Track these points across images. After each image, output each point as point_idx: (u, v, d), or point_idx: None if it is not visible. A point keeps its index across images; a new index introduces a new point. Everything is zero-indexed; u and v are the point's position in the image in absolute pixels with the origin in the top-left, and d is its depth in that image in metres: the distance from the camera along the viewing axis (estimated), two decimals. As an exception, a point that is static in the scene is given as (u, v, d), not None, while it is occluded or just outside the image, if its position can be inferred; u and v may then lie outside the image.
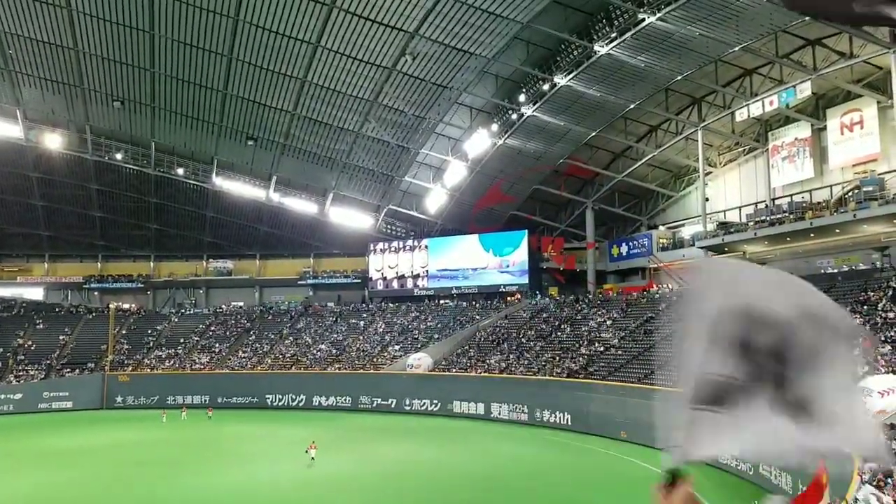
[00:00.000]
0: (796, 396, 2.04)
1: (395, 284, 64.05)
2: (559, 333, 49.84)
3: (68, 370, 56.80)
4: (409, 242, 63.33)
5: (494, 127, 48.09)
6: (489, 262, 60.07)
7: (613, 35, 37.02)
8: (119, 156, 59.00)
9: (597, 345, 45.36)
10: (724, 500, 22.61)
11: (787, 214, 40.35)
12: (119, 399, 53.61)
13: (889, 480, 16.57)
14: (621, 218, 57.97)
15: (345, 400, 51.18)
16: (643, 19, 34.98)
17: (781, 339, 2.02)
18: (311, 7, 41.59)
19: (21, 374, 55.77)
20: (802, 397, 2.04)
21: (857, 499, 14.74)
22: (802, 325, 2.02)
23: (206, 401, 51.35)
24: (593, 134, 48.22)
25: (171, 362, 57.92)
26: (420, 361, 50.64)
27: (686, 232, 51.85)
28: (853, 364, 2.11)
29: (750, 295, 2.06)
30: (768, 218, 41.45)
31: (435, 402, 47.89)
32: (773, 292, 2.05)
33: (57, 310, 65.87)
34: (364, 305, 65.21)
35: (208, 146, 58.63)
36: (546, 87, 42.87)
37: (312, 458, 30.69)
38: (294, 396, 52.48)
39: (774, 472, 24.20)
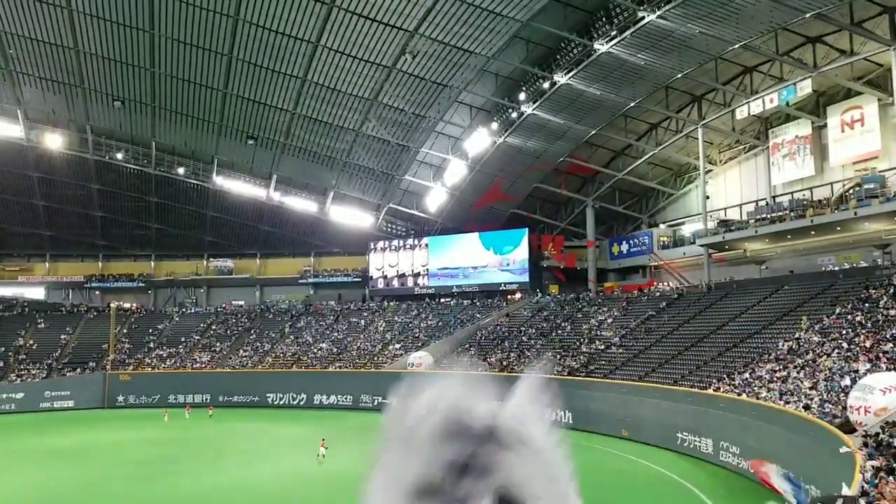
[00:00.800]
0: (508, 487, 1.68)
1: (395, 283, 64.09)
2: (560, 332, 49.87)
3: (69, 369, 56.84)
4: (410, 241, 63.35)
5: (494, 125, 48.09)
6: (490, 260, 60.10)
7: (613, 33, 36.99)
8: (119, 155, 59.04)
9: (597, 343, 45.37)
10: (724, 497, 22.63)
11: (787, 212, 40.31)
12: (120, 398, 53.64)
13: (891, 477, 16.58)
14: (622, 216, 57.98)
15: (346, 399, 51.22)
16: (643, 17, 34.94)
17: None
18: (311, 6, 41.58)
19: (23, 373, 55.83)
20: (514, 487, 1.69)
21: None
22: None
23: (206, 399, 51.39)
24: (593, 132, 48.20)
25: (172, 361, 57.96)
26: (421, 360, 50.66)
27: (686, 230, 51.86)
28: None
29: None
30: (769, 216, 41.41)
31: (436, 400, 47.86)
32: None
33: (58, 309, 65.93)
34: (365, 304, 65.24)
35: (209, 145, 58.66)
36: (546, 85, 42.86)
37: (323, 456, 30.80)
38: (295, 395, 52.50)
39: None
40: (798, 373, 28.13)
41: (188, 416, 46.49)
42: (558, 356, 45.83)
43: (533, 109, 45.18)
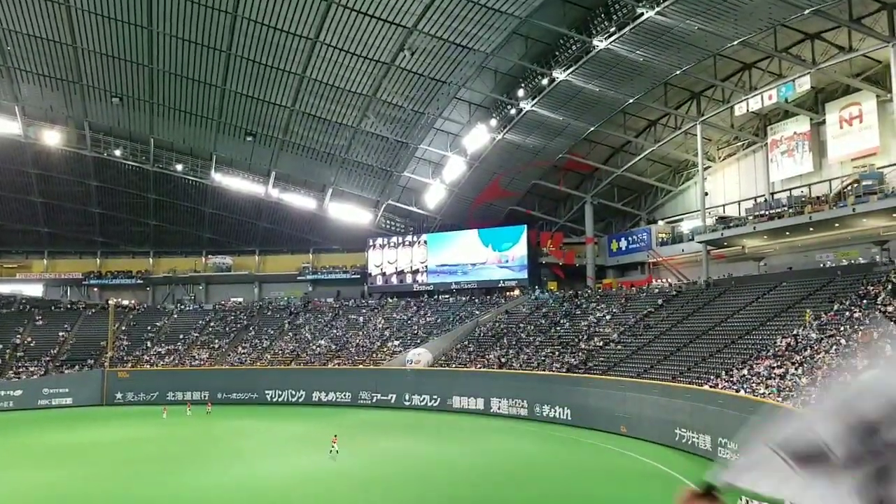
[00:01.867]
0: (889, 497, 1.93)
1: (394, 280, 64.08)
2: (558, 328, 49.88)
3: (68, 366, 56.81)
4: (409, 238, 63.33)
5: (493, 122, 48.04)
6: (488, 257, 60.08)
7: (612, 29, 36.94)
8: (118, 152, 58.94)
9: (596, 340, 45.39)
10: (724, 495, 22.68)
11: (786, 209, 40.36)
12: (119, 395, 53.62)
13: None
14: (620, 213, 58.00)
15: (344, 395, 51.25)
16: (642, 13, 34.90)
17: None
18: (310, 2, 41.51)
19: (21, 370, 55.80)
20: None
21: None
22: None
23: (205, 397, 51.42)
24: (592, 129, 48.19)
25: (171, 358, 57.94)
26: (419, 357, 50.69)
27: (685, 226, 51.87)
28: None
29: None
30: (767, 212, 41.43)
31: (434, 397, 47.95)
32: None
33: (56, 306, 65.88)
34: (363, 301, 65.25)
35: (207, 142, 58.57)
36: (545, 81, 42.81)
37: (334, 451, 30.94)
38: (294, 392, 52.50)
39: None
40: (796, 369, 28.16)
41: (189, 412, 46.50)
42: (557, 353, 45.88)
43: (532, 106, 45.12)
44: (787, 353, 30.12)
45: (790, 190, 42.26)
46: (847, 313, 30.38)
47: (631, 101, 44.42)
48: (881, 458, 1.91)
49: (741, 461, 2.22)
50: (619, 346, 43.19)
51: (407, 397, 48.91)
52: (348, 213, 62.68)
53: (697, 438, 30.75)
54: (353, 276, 66.92)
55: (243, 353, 58.16)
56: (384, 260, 64.17)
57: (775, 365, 29.61)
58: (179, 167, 60.19)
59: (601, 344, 44.58)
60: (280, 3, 41.86)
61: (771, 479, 2.09)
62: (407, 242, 63.29)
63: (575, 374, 41.98)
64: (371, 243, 64.14)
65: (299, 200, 62.57)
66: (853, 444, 1.94)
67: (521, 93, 44.67)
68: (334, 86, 48.89)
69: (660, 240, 53.29)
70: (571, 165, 53.60)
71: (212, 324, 63.18)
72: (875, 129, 37.29)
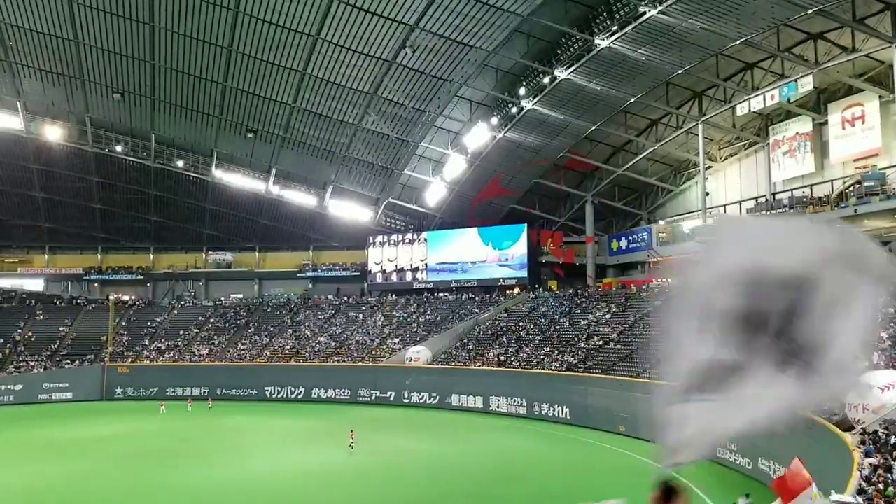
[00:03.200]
0: (801, 343, 1.93)
1: (394, 278, 64.05)
2: (558, 327, 49.85)
3: (68, 361, 56.84)
4: (409, 236, 63.30)
5: (494, 120, 48.00)
6: (488, 255, 60.04)
7: (614, 28, 36.88)
8: (119, 148, 58.91)
9: (595, 339, 45.37)
10: (721, 494, 22.66)
11: (787, 209, 40.32)
12: (119, 390, 53.66)
13: (890, 475, 16.57)
14: (621, 212, 57.95)
15: (343, 393, 51.26)
16: (644, 12, 34.85)
17: (793, 295, 1.93)
18: (312, -1, 41.47)
19: (21, 365, 55.83)
20: (808, 343, 1.93)
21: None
22: (826, 269, 1.93)
23: (205, 392, 51.40)
24: (593, 128, 48.14)
25: (171, 354, 57.96)
26: (419, 354, 50.69)
27: (686, 226, 51.81)
28: (871, 305, 2.07)
29: (760, 251, 1.96)
30: (768, 213, 41.40)
31: (434, 395, 47.94)
32: (791, 242, 1.97)
33: (57, 301, 65.93)
34: (363, 298, 65.25)
35: (208, 138, 58.53)
36: (546, 80, 42.75)
37: (351, 446, 31.31)
38: (293, 389, 52.52)
39: (773, 466, 24.24)
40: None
41: (190, 408, 46.48)
42: (556, 352, 45.85)
43: (533, 104, 45.07)
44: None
45: (792, 190, 42.23)
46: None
47: (632, 100, 44.36)
48: (771, 326, 1.91)
49: (668, 442, 2.24)
50: (618, 346, 43.17)
51: (406, 395, 48.90)
52: (349, 211, 62.64)
53: (696, 438, 30.73)
54: (353, 274, 66.94)
55: (243, 350, 58.17)
56: (384, 257, 64.15)
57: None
58: (180, 163, 60.17)
59: (601, 343, 44.57)
60: (282, -1, 41.82)
61: (699, 430, 2.09)
62: (407, 240, 63.26)
63: (574, 373, 41.97)
64: (371, 241, 64.12)
65: (300, 197, 62.53)
66: (736, 335, 1.95)
67: (522, 91, 44.62)
68: (335, 83, 48.83)
69: (660, 239, 53.24)
70: (572, 164, 53.55)
71: (211, 320, 63.20)
72: (877, 129, 37.24)
